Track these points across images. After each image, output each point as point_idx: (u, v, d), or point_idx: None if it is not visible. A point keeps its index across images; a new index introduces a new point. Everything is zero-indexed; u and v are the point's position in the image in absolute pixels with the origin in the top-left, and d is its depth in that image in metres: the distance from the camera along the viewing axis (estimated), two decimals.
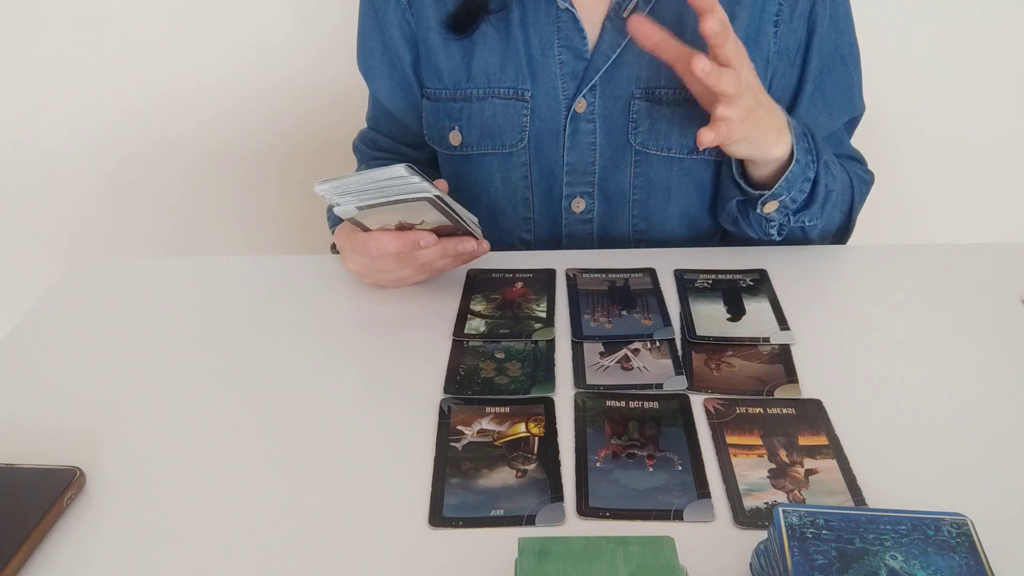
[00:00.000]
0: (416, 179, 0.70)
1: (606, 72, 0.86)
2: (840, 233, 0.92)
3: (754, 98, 0.74)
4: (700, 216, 0.93)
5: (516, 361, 0.71)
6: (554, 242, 0.95)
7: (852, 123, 0.94)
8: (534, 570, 0.45)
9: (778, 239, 0.87)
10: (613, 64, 0.86)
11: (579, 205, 0.92)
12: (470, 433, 0.63)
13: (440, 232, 0.77)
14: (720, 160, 0.89)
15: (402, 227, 0.76)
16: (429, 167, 1.00)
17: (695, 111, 0.87)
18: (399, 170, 0.69)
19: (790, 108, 0.89)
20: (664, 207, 0.91)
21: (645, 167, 0.89)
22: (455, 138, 0.92)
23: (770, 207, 0.82)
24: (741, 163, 0.83)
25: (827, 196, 0.84)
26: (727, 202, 0.87)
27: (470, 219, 0.77)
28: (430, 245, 0.76)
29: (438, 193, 0.71)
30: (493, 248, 0.81)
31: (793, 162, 0.78)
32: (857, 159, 0.96)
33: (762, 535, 0.50)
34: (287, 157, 1.48)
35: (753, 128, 0.74)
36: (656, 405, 0.65)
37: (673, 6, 0.84)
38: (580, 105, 0.88)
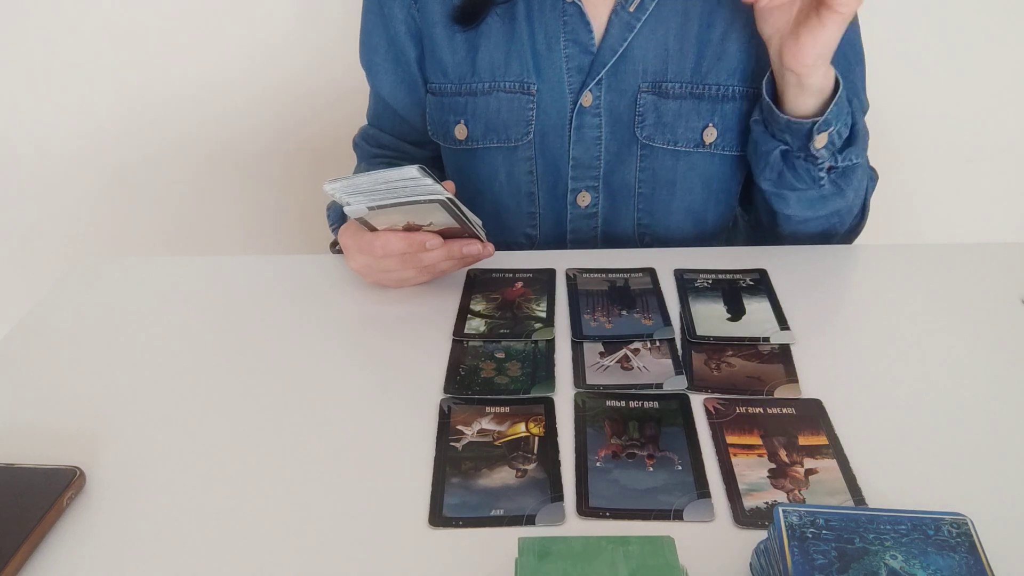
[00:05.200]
0: (428, 181, 0.70)
1: (612, 66, 0.86)
2: (855, 220, 0.92)
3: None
4: (705, 211, 0.93)
5: (516, 361, 0.71)
6: (558, 236, 0.95)
7: None
8: (534, 570, 0.45)
9: (825, 185, 0.84)
10: (620, 58, 0.86)
11: (584, 199, 0.92)
12: (470, 433, 0.63)
13: (446, 234, 0.77)
14: (727, 155, 0.89)
15: (409, 228, 0.76)
16: (431, 166, 1.00)
17: (701, 105, 0.87)
18: (412, 171, 0.69)
19: None
20: (669, 201, 0.92)
21: (651, 161, 0.90)
22: (460, 132, 0.92)
23: (820, 140, 0.80)
24: (776, 103, 0.82)
25: (864, 136, 0.84)
26: (767, 157, 0.84)
27: (476, 222, 0.77)
28: (436, 247, 0.76)
29: (450, 196, 0.71)
30: (497, 241, 0.81)
31: (840, 88, 0.79)
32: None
33: (762, 535, 0.50)
34: (288, 157, 1.48)
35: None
36: (656, 405, 0.65)
37: (679, 1, 0.85)
38: (586, 99, 0.88)
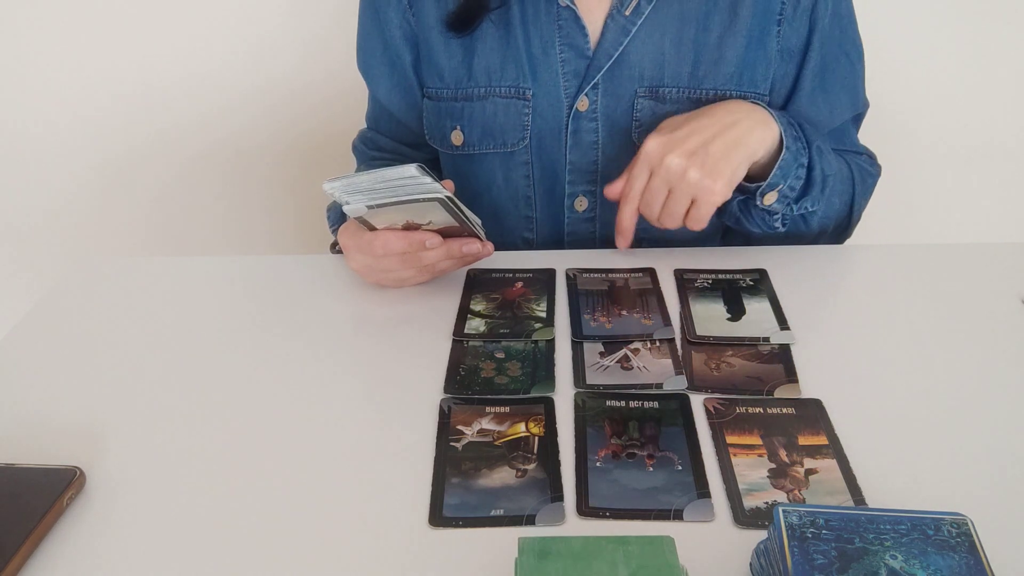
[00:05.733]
0: (428, 180, 0.70)
1: (608, 70, 0.86)
2: (840, 227, 0.92)
3: (699, 136, 0.76)
4: None
5: (516, 361, 0.71)
6: (556, 241, 0.95)
7: (857, 119, 0.94)
8: (534, 570, 0.45)
9: (782, 230, 0.87)
10: (616, 62, 0.86)
11: (581, 204, 0.92)
12: (470, 433, 0.63)
13: (445, 233, 0.77)
14: None
15: (408, 227, 0.76)
16: (430, 167, 1.00)
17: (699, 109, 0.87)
18: (411, 170, 0.70)
19: (786, 103, 0.89)
20: None
21: None
22: (457, 138, 0.92)
23: (770, 198, 0.81)
24: None
25: (824, 180, 0.83)
26: (727, 205, 0.86)
27: (475, 221, 0.77)
28: (436, 246, 0.76)
29: (449, 195, 0.71)
30: (495, 245, 0.81)
31: (784, 150, 0.78)
32: (864, 153, 0.96)
33: (762, 535, 0.50)
34: (283, 155, 1.48)
35: (731, 149, 0.76)
36: (656, 405, 0.65)
37: (675, 5, 0.84)
38: (582, 103, 0.88)
